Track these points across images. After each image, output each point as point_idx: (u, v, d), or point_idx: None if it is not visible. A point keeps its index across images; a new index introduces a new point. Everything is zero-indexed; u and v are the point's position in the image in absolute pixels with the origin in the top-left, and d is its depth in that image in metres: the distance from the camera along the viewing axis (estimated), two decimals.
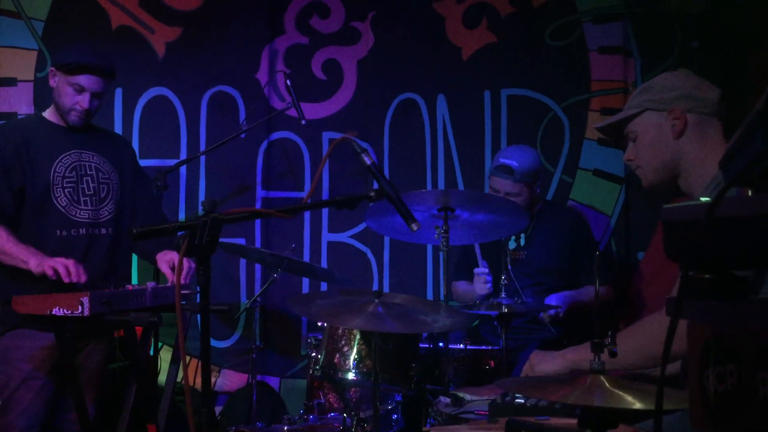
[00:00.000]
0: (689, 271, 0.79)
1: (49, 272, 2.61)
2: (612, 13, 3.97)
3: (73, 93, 2.87)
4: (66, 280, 2.61)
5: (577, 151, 3.99)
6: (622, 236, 3.94)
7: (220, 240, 1.60)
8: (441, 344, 2.79)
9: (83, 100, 2.88)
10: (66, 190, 2.88)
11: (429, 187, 4.04)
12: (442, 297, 2.91)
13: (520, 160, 3.38)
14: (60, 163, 2.90)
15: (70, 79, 2.86)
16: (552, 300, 3.28)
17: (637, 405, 1.37)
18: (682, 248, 0.78)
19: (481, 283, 3.26)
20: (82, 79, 2.85)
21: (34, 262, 2.68)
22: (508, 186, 3.36)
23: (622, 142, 2.18)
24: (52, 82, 2.92)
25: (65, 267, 2.62)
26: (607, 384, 1.46)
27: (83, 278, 2.64)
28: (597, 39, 3.99)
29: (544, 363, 2.07)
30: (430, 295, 4.00)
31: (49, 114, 2.98)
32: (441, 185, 4.04)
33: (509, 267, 3.31)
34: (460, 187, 4.03)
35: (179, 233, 1.62)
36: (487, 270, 3.26)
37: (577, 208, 3.94)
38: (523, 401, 2.01)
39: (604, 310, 3.51)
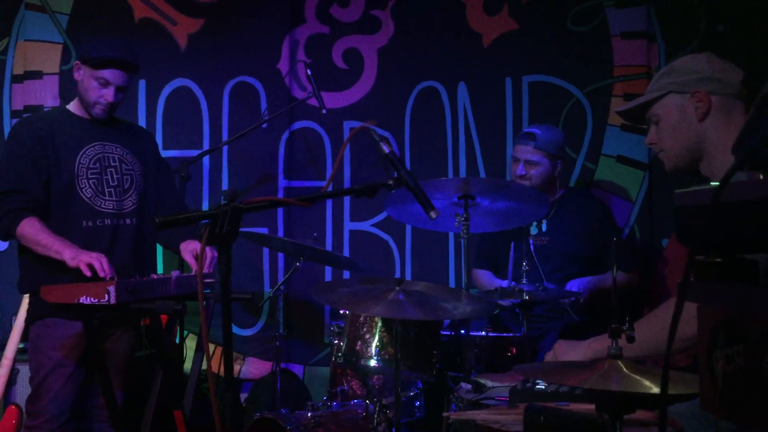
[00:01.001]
0: (700, 255, 0.79)
1: (85, 270, 2.66)
2: None
3: (98, 87, 2.91)
4: (101, 274, 2.66)
5: (600, 137, 3.96)
6: (645, 223, 3.90)
7: (244, 229, 1.63)
8: (462, 331, 2.80)
9: (108, 94, 2.91)
10: (90, 182, 2.93)
11: (450, 175, 4.04)
12: (463, 285, 2.91)
13: (543, 129, 3.42)
14: (84, 155, 2.95)
15: (95, 73, 2.90)
16: (573, 285, 3.27)
17: (655, 389, 1.37)
18: (693, 233, 0.79)
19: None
20: (107, 74, 2.89)
21: (68, 254, 2.73)
22: (529, 152, 3.36)
23: (645, 126, 2.16)
24: (76, 76, 2.97)
25: (100, 262, 2.68)
26: (624, 369, 1.46)
27: (109, 274, 2.69)
28: (620, 24, 3.94)
29: (569, 353, 2.07)
30: (452, 283, 4.01)
31: (73, 106, 3.03)
32: (462, 173, 4.04)
33: (532, 252, 3.31)
34: (482, 175, 4.03)
35: (201, 222, 1.64)
36: (514, 284, 3.25)
37: (599, 194, 3.91)
38: (543, 387, 2.02)
39: (628, 296, 3.49)
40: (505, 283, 3.29)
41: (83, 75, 2.93)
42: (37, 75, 4.09)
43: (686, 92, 1.99)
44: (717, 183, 0.79)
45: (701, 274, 0.81)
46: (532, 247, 3.29)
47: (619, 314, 1.58)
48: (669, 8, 3.89)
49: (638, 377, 1.43)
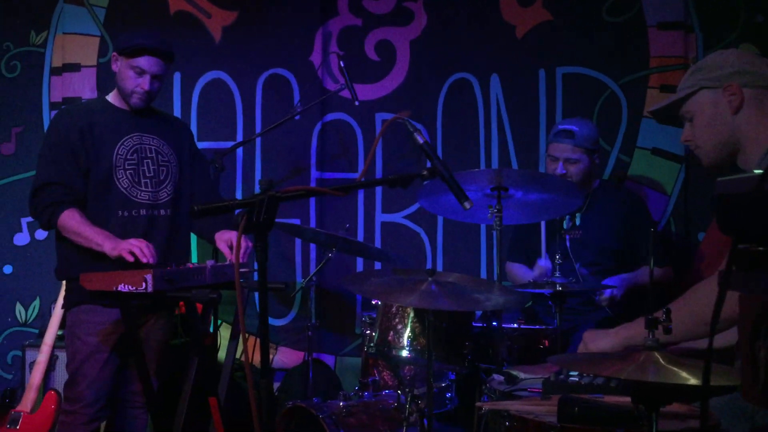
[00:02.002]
0: (742, 244, 0.78)
1: (127, 257, 2.72)
2: None
3: (135, 76, 2.95)
4: (143, 260, 2.70)
5: (635, 129, 3.92)
6: (681, 216, 3.85)
7: (277, 220, 1.65)
8: (495, 323, 2.80)
9: (144, 82, 2.96)
10: (128, 172, 2.98)
11: (482, 167, 4.03)
12: (495, 277, 2.91)
13: (580, 125, 3.37)
14: (122, 146, 2.99)
15: (131, 62, 2.95)
16: (608, 284, 3.24)
17: (692, 381, 1.36)
18: (734, 221, 0.78)
19: (540, 274, 3.24)
20: (142, 61, 2.93)
21: (108, 245, 2.79)
22: (568, 151, 3.33)
23: (678, 122, 2.15)
24: (114, 67, 3.01)
25: (140, 249, 2.72)
26: (661, 360, 1.45)
27: (153, 259, 2.74)
28: (656, 14, 3.88)
29: (598, 341, 2.06)
30: (483, 275, 4.00)
31: (112, 98, 3.08)
32: (495, 165, 4.02)
33: (567, 246, 3.29)
34: (514, 167, 4.01)
35: (237, 211, 1.66)
36: (550, 265, 3.23)
37: (634, 187, 3.87)
38: (577, 379, 2.01)
39: (662, 291, 3.45)
40: (541, 262, 3.27)
41: (120, 66, 2.98)
42: (75, 67, 4.16)
43: (718, 87, 1.99)
44: (760, 171, 0.79)
45: (743, 263, 0.80)
46: (567, 241, 3.27)
47: (655, 306, 1.57)
48: None
49: (675, 369, 1.42)
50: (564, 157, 3.34)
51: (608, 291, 3.17)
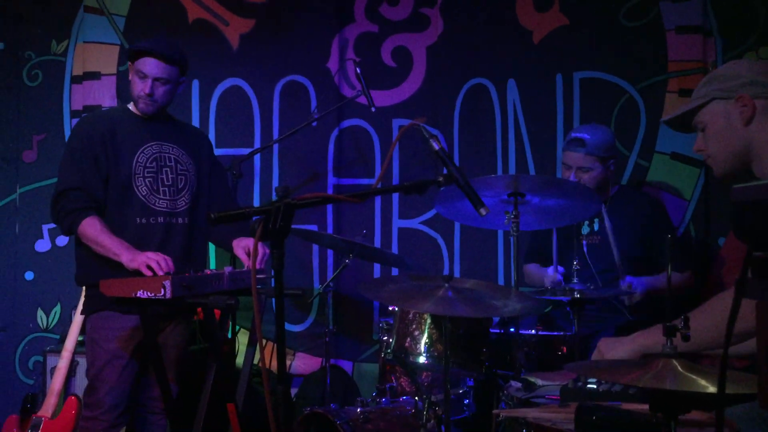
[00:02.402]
0: (758, 252, 0.78)
1: (145, 271, 2.73)
2: None
3: (139, 80, 2.97)
4: (160, 273, 2.72)
5: (654, 134, 3.89)
6: (701, 222, 3.82)
7: (294, 226, 1.65)
8: (512, 329, 2.79)
9: (146, 86, 2.95)
10: (147, 180, 3.00)
11: (499, 173, 4.02)
12: (513, 283, 2.90)
13: (592, 133, 3.35)
14: (142, 154, 3.02)
15: (134, 67, 2.98)
16: (628, 281, 3.20)
17: (711, 389, 1.35)
18: (750, 228, 0.77)
19: (551, 281, 3.23)
20: (142, 64, 2.94)
21: (126, 257, 2.80)
22: (580, 159, 3.31)
23: (692, 130, 2.16)
24: (129, 75, 3.05)
25: (157, 262, 2.74)
26: (679, 367, 1.44)
27: (171, 269, 2.76)
28: (674, 18, 3.86)
29: (614, 349, 2.05)
30: (501, 281, 3.99)
31: (132, 106, 3.10)
32: (512, 171, 4.01)
33: (585, 251, 3.27)
34: (532, 172, 3.99)
35: (254, 218, 1.67)
36: (560, 278, 3.21)
37: (653, 192, 3.84)
38: (595, 386, 2.00)
39: (682, 297, 3.42)
40: (550, 270, 3.25)
41: (130, 72, 3.01)
42: (95, 76, 4.21)
43: (730, 98, 2.00)
44: None
45: (760, 270, 0.80)
46: (585, 246, 3.25)
47: (674, 312, 1.56)
48: (726, 2, 3.79)
49: (694, 376, 1.40)
50: (577, 165, 3.33)
51: (628, 279, 3.13)
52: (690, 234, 3.83)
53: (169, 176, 3.05)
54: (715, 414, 0.96)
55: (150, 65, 2.94)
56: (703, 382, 1.38)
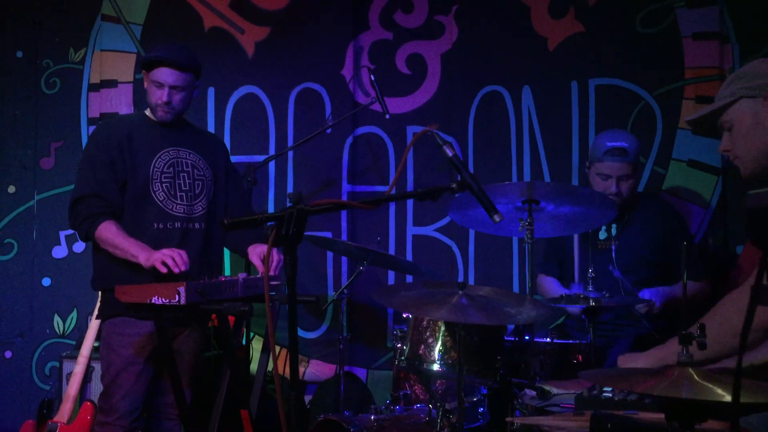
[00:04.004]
0: None
1: (160, 268, 2.75)
2: None
3: (155, 89, 2.99)
4: (176, 270, 2.73)
5: (670, 141, 3.86)
6: (719, 230, 3.78)
7: (308, 233, 1.66)
8: (527, 337, 2.77)
9: (163, 95, 2.98)
10: (164, 185, 3.02)
11: (514, 179, 4.01)
12: (527, 290, 2.88)
13: (628, 140, 3.33)
14: (159, 159, 3.04)
15: (150, 76, 2.99)
16: (646, 294, 3.18)
17: (727, 398, 1.33)
18: (766, 233, 0.76)
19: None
20: (159, 74, 2.97)
21: (143, 257, 2.82)
22: (624, 168, 3.28)
23: (715, 133, 2.12)
24: (145, 84, 3.07)
25: (172, 258, 2.76)
26: (695, 376, 1.42)
27: (185, 267, 2.76)
28: (691, 24, 3.84)
29: (632, 364, 2.03)
30: (516, 289, 3.97)
31: (150, 113, 3.13)
32: (527, 178, 4.00)
33: (612, 256, 3.23)
34: (547, 179, 3.97)
35: (267, 224, 1.68)
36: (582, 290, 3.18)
37: (670, 199, 3.81)
38: (610, 395, 1.98)
39: (700, 305, 3.38)
40: (574, 288, 3.23)
41: (146, 81, 3.04)
42: (112, 84, 4.25)
43: (759, 96, 1.96)
44: None
45: None
46: (611, 251, 3.22)
47: (689, 320, 1.54)
48: (743, 8, 3.77)
49: (710, 385, 1.39)
50: (619, 174, 3.28)
51: (646, 297, 3.11)
52: (708, 242, 3.79)
53: (186, 182, 3.06)
54: (730, 422, 0.95)
55: (165, 74, 2.96)
56: (719, 391, 1.36)
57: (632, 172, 3.31)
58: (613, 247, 3.24)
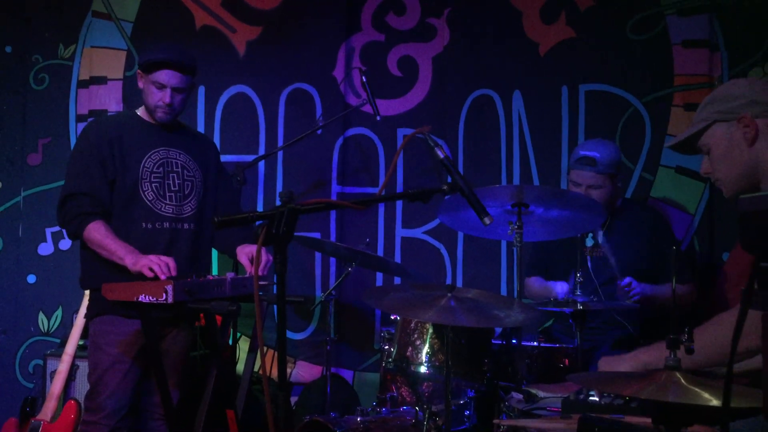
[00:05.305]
0: (765, 263, 0.77)
1: (147, 273, 2.73)
2: (697, 5, 3.84)
3: (156, 90, 2.99)
4: (162, 277, 2.72)
5: (659, 147, 3.88)
6: (705, 236, 3.81)
7: (297, 234, 1.65)
8: (514, 341, 2.78)
9: (165, 96, 2.98)
10: (153, 185, 3.01)
11: (504, 183, 4.01)
12: (515, 294, 2.89)
13: (602, 151, 3.32)
14: (149, 159, 3.02)
15: (151, 78, 2.98)
16: (628, 280, 3.18)
17: (714, 402, 1.33)
18: (757, 238, 0.77)
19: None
20: (161, 76, 2.96)
21: (130, 260, 2.81)
22: (591, 178, 3.29)
23: (699, 153, 2.15)
24: (140, 84, 3.05)
25: (159, 265, 2.74)
26: (683, 380, 1.43)
27: (174, 273, 2.75)
28: (681, 32, 3.86)
29: (615, 367, 2.04)
30: (504, 292, 3.98)
31: (141, 112, 3.12)
32: (516, 182, 4.01)
33: (588, 264, 3.25)
34: (536, 183, 3.99)
35: (257, 223, 1.67)
36: (629, 279, 3.17)
37: (657, 205, 3.83)
38: (597, 399, 1.99)
39: (685, 311, 3.40)
40: (558, 286, 3.24)
41: (143, 82, 3.02)
42: (101, 80, 4.22)
43: (731, 119, 1.99)
44: None
45: (766, 281, 0.79)
46: (588, 260, 3.24)
47: (677, 324, 1.55)
48: (733, 17, 3.79)
49: (697, 389, 1.39)
50: (587, 184, 3.31)
51: (627, 279, 3.11)
52: (694, 248, 3.82)
53: (176, 182, 3.05)
54: (720, 429, 0.95)
55: (168, 76, 2.96)
56: (706, 395, 1.37)
57: (603, 182, 3.30)
58: (589, 256, 3.25)
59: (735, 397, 1.38)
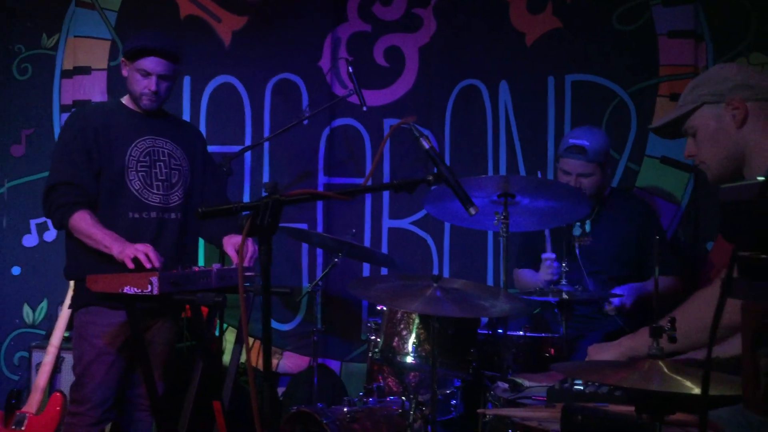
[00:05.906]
0: (745, 251, 0.78)
1: (129, 263, 2.72)
2: None
3: (141, 78, 2.97)
4: (147, 266, 2.70)
5: (644, 137, 3.90)
6: (690, 226, 3.83)
7: (283, 224, 1.64)
8: (500, 330, 2.79)
9: (151, 83, 2.96)
10: (140, 174, 2.99)
11: (490, 173, 4.02)
12: (502, 284, 2.89)
13: (591, 139, 3.32)
14: (135, 148, 3.00)
15: (136, 65, 2.96)
16: (617, 292, 3.21)
17: (696, 390, 1.35)
18: (736, 228, 0.77)
19: (546, 268, 3.22)
20: (146, 63, 2.94)
21: (116, 249, 2.79)
22: (581, 167, 3.30)
23: (679, 136, 2.17)
24: (124, 72, 3.03)
25: (144, 254, 2.73)
26: (665, 369, 1.44)
27: (158, 264, 2.74)
28: (667, 22, 3.88)
29: (602, 353, 2.06)
30: (490, 282, 3.99)
31: (126, 100, 3.09)
32: (502, 172, 4.01)
33: (577, 253, 3.26)
34: (522, 174, 3.99)
35: (242, 214, 1.66)
36: (554, 256, 3.21)
37: (644, 195, 3.85)
38: (581, 388, 2.00)
39: (670, 301, 3.42)
40: (544, 255, 3.24)
41: (128, 70, 3.00)
42: (85, 70, 4.19)
43: (720, 102, 2.01)
44: (762, 177, 0.78)
45: (746, 270, 0.80)
46: (577, 248, 3.25)
47: (660, 314, 1.56)
48: (718, 7, 3.81)
49: (680, 378, 1.41)
50: (577, 172, 3.31)
51: (617, 300, 3.14)
52: (679, 238, 3.84)
53: (163, 171, 3.04)
54: (699, 417, 0.96)
55: (153, 63, 2.94)
56: (688, 384, 1.38)
57: (593, 170, 3.31)
58: (577, 244, 3.26)
59: (716, 385, 1.40)
